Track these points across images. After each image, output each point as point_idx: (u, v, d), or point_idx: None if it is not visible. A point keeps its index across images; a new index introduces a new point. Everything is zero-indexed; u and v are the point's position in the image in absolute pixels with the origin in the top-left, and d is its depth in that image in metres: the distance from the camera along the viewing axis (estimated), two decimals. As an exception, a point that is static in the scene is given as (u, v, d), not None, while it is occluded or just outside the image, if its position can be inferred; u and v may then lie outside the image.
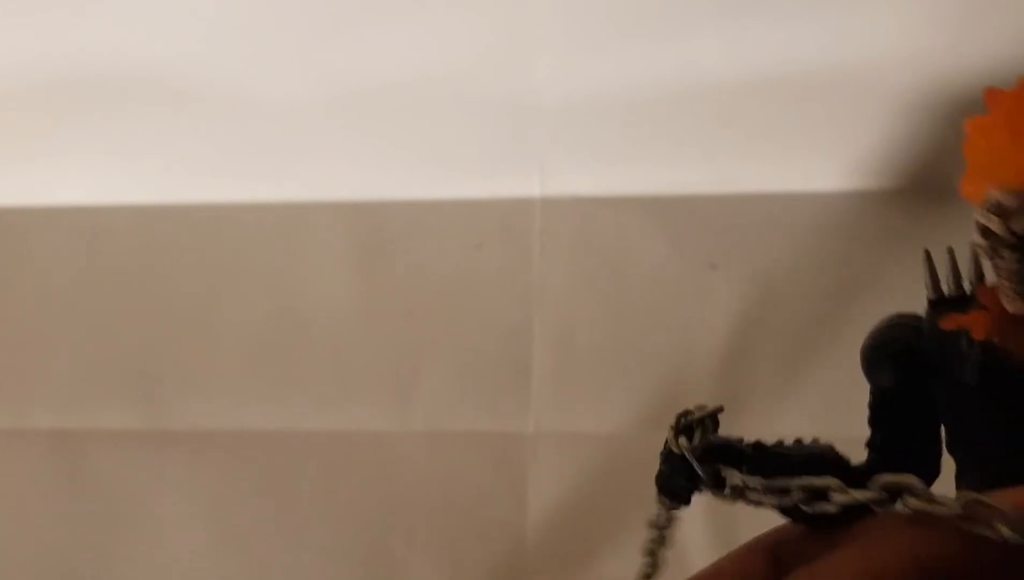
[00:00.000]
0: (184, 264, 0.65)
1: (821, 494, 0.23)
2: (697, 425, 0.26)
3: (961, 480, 0.27)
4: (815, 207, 0.57)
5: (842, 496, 0.23)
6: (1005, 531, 0.19)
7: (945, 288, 0.27)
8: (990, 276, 0.26)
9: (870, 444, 0.28)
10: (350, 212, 0.64)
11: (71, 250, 0.66)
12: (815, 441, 0.27)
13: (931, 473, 0.27)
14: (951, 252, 0.27)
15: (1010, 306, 0.25)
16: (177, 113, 0.61)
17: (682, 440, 0.26)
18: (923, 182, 0.58)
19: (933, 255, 0.29)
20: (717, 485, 0.25)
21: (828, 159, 0.59)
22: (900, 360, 0.27)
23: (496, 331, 0.61)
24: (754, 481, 0.25)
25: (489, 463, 0.59)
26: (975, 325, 0.26)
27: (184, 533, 0.61)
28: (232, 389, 0.62)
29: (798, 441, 0.27)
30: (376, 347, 0.62)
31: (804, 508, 0.24)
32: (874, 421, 0.28)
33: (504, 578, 0.57)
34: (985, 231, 0.25)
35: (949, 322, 0.26)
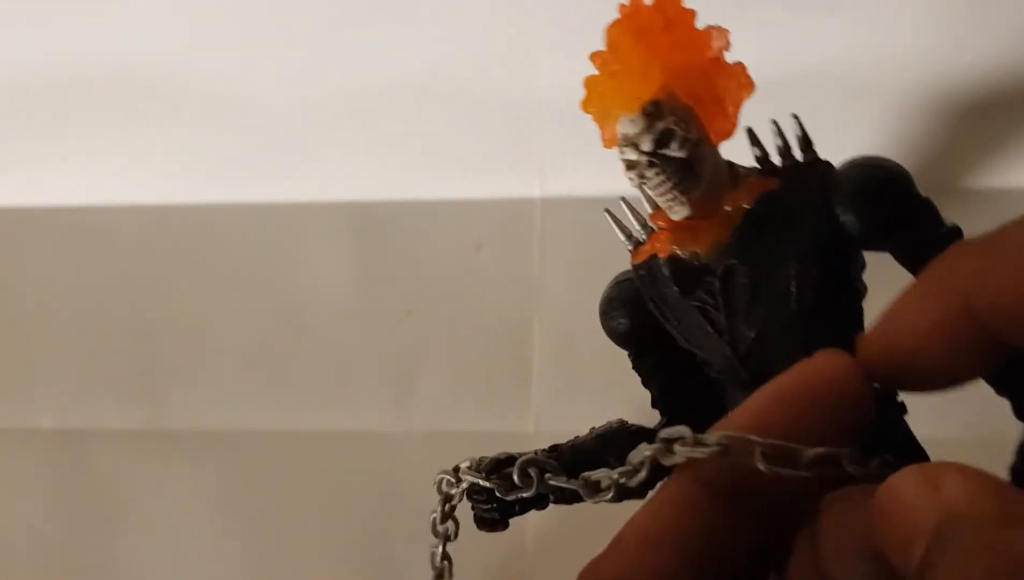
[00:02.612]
0: (184, 264, 0.65)
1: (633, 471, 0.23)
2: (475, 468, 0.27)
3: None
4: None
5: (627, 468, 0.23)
6: (760, 463, 0.20)
7: (636, 235, 0.29)
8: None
9: (654, 405, 0.31)
10: (350, 212, 0.64)
11: (71, 250, 0.66)
12: (608, 423, 0.29)
13: (708, 406, 0.28)
14: (624, 201, 0.29)
15: (675, 216, 0.27)
16: (177, 113, 0.61)
17: (467, 473, 0.27)
18: (923, 182, 0.58)
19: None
20: (538, 498, 0.26)
21: (828, 159, 0.59)
22: (625, 311, 0.30)
23: (496, 331, 0.61)
24: (559, 480, 0.25)
25: (489, 463, 0.59)
26: (656, 246, 0.28)
27: (184, 532, 0.61)
28: (232, 389, 0.62)
29: (592, 429, 0.29)
30: (376, 347, 0.62)
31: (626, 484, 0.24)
32: (646, 384, 0.30)
33: (504, 578, 0.57)
34: (629, 164, 0.27)
35: (637, 255, 0.29)
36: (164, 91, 0.60)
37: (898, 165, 0.27)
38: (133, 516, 0.61)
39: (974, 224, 0.57)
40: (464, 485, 0.27)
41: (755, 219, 0.26)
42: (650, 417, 0.35)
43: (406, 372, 0.61)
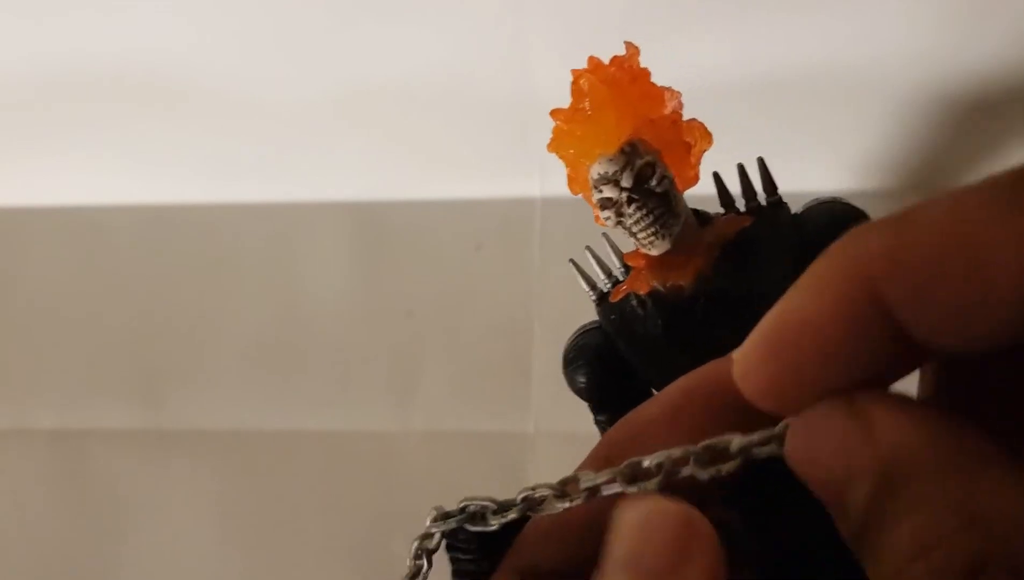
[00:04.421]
0: (184, 264, 0.65)
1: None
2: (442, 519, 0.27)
3: None
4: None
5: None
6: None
7: (601, 285, 0.29)
8: (626, 246, 0.29)
9: None
10: (350, 212, 0.64)
11: (71, 250, 0.66)
12: None
13: None
14: (590, 250, 0.30)
15: (654, 251, 0.28)
16: (177, 113, 0.61)
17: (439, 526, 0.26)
18: (923, 182, 0.58)
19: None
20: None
21: (828, 159, 0.59)
22: (594, 365, 0.30)
23: (496, 331, 0.61)
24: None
25: (489, 463, 0.59)
26: (635, 283, 0.28)
27: (184, 533, 0.61)
28: (232, 389, 0.62)
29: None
30: (376, 347, 0.62)
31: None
32: (603, 431, 0.29)
33: None
34: (604, 203, 0.27)
35: (615, 294, 0.29)
36: (164, 91, 0.60)
37: (856, 206, 0.29)
38: (133, 516, 0.61)
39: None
40: (450, 525, 0.26)
41: (734, 252, 0.27)
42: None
43: (406, 372, 0.61)
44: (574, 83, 0.28)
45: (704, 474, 0.19)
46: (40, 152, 0.65)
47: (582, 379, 0.30)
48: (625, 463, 0.20)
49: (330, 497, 0.60)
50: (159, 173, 0.65)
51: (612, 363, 0.29)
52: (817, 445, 0.17)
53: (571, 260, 0.31)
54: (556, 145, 0.29)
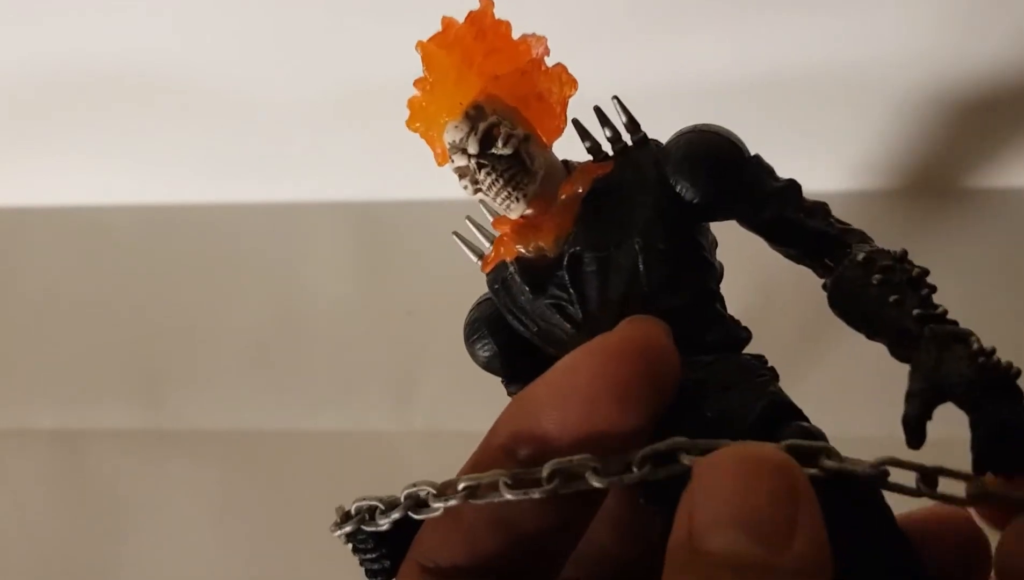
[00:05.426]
0: (184, 264, 0.65)
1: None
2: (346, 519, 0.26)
3: None
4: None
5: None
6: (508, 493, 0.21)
7: (487, 252, 0.29)
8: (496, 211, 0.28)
9: None
10: (350, 212, 0.64)
11: (71, 250, 0.66)
12: None
13: None
14: (470, 220, 0.29)
15: (513, 214, 0.26)
16: (177, 113, 0.61)
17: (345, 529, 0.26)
18: (923, 182, 0.58)
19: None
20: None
21: (828, 159, 0.59)
22: (492, 336, 0.29)
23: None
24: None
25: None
26: (501, 250, 0.27)
27: (184, 532, 0.61)
28: (232, 389, 0.62)
29: None
30: (376, 347, 0.62)
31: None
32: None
33: None
34: (460, 172, 0.26)
35: (485, 265, 0.28)
36: (164, 91, 0.60)
37: (724, 128, 0.27)
38: (133, 516, 0.61)
39: (974, 224, 0.57)
40: (348, 527, 0.26)
41: (593, 203, 0.26)
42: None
43: (406, 372, 0.61)
44: (418, 52, 0.27)
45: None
46: (40, 152, 0.65)
47: (484, 353, 0.29)
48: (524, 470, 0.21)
49: (330, 497, 0.60)
50: (159, 173, 0.65)
51: (509, 332, 0.28)
52: None
53: (454, 232, 0.30)
54: (409, 121, 0.27)
